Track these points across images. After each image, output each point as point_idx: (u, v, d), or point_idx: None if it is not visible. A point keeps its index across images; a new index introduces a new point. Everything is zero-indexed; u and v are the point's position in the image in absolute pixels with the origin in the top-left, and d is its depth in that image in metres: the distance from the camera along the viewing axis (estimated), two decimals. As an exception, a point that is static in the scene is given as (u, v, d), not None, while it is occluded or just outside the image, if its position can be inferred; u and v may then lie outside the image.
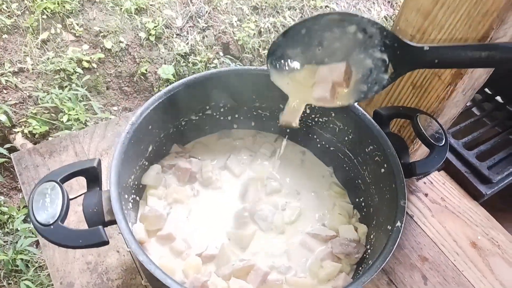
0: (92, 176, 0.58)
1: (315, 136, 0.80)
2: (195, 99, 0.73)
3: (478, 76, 0.67)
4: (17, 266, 1.60)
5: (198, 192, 0.76)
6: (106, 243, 0.52)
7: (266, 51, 2.35)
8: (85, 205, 0.56)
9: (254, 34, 2.35)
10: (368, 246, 0.67)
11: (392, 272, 0.79)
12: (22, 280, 1.57)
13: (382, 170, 0.65)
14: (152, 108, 0.65)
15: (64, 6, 2.09)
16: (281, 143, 0.78)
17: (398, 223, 0.56)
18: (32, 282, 1.57)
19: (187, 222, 0.72)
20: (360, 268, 0.66)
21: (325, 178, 0.81)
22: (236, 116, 0.82)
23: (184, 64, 2.19)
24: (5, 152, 1.77)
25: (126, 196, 0.63)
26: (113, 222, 0.55)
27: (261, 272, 0.63)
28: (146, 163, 0.72)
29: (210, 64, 2.23)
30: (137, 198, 0.71)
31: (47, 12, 2.05)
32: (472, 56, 0.47)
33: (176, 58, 2.19)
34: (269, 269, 0.64)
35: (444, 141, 0.65)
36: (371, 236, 0.68)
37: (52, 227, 0.51)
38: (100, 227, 0.53)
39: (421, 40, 0.66)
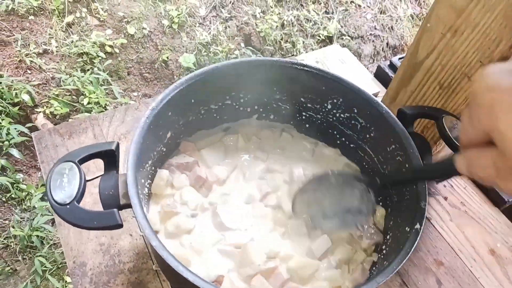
0: (110, 158, 0.58)
1: (335, 132, 0.79)
2: (216, 88, 0.72)
3: (510, 78, 0.64)
4: (32, 242, 1.64)
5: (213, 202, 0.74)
6: (120, 226, 0.52)
7: (288, 44, 2.33)
8: (102, 187, 0.56)
9: (277, 26, 2.33)
10: (384, 247, 0.66)
11: (406, 274, 0.77)
12: (37, 256, 1.61)
13: (403, 170, 0.63)
14: (173, 95, 0.65)
15: (90, -10, 2.11)
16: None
17: (418, 225, 0.54)
18: (46, 259, 1.61)
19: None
20: (374, 268, 0.64)
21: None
22: (256, 107, 0.81)
23: (205, 53, 2.19)
24: (26, 131, 1.80)
25: (143, 180, 0.63)
26: (128, 205, 0.55)
27: (281, 278, 0.62)
28: (164, 149, 0.72)
29: (231, 54, 2.22)
30: (151, 182, 0.71)
31: (74, -5, 2.08)
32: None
33: (198, 47, 2.18)
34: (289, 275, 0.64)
35: (469, 144, 0.63)
36: (388, 237, 0.66)
37: (68, 206, 0.51)
38: (115, 210, 0.53)
39: (452, 39, 0.64)
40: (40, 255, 1.62)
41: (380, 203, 0.72)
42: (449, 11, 0.62)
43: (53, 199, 0.51)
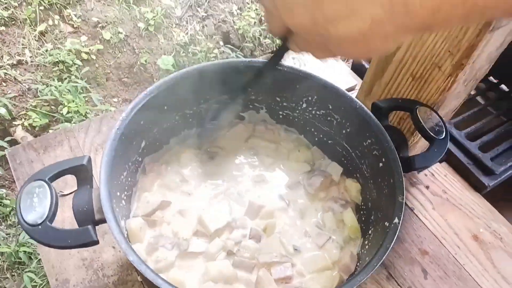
0: (82, 174, 0.57)
1: (312, 129, 0.78)
2: (188, 93, 0.71)
3: (479, 66, 0.65)
4: (20, 258, 1.61)
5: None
6: (95, 242, 0.51)
7: (267, 40, 2.32)
8: (75, 204, 0.55)
9: (255, 22, 2.32)
10: (366, 242, 0.66)
11: (392, 266, 0.78)
12: (25, 272, 1.58)
13: (380, 164, 0.63)
14: (143, 103, 0.64)
15: (61, -3, 2.07)
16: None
17: (396, 220, 0.54)
18: (35, 274, 1.58)
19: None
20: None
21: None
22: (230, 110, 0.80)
23: (184, 54, 2.16)
24: (5, 145, 1.76)
25: (118, 193, 0.62)
26: (103, 220, 0.54)
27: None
28: (140, 159, 0.71)
29: (210, 53, 2.20)
30: (130, 193, 0.69)
31: (44, 3, 2.03)
32: None
33: (176, 49, 2.16)
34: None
35: (444, 134, 0.63)
36: (370, 232, 0.66)
37: (40, 227, 0.50)
38: (90, 226, 0.52)
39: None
40: (29, 271, 1.59)
41: (356, 179, 0.74)
42: None
43: (24, 220, 0.50)
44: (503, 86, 1.13)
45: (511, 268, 0.78)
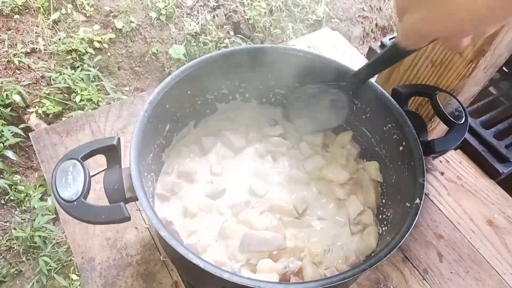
0: (112, 154, 0.59)
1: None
2: (211, 78, 0.73)
3: (500, 53, 0.66)
4: (35, 242, 1.65)
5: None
6: (128, 219, 0.53)
7: (277, 30, 2.32)
8: (106, 182, 0.56)
9: (265, 12, 2.32)
10: (385, 223, 0.67)
11: (408, 249, 0.80)
12: (41, 256, 1.62)
13: (401, 148, 0.65)
14: (169, 87, 0.65)
15: (74, -14, 2.08)
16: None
17: (417, 200, 0.56)
18: (50, 258, 1.62)
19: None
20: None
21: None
22: (252, 95, 0.82)
23: (195, 44, 2.17)
24: (20, 132, 1.79)
25: (146, 173, 0.64)
26: (134, 198, 0.56)
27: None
28: (164, 142, 0.73)
29: (220, 43, 2.21)
30: (154, 175, 0.71)
31: (58, -9, 2.04)
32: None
33: (187, 38, 2.17)
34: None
35: (464, 119, 0.64)
36: (389, 214, 0.68)
37: (75, 203, 0.52)
38: (122, 203, 0.54)
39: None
40: (44, 255, 1.63)
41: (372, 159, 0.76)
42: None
43: (60, 197, 0.52)
44: (517, 76, 1.13)
45: (525, 252, 0.80)
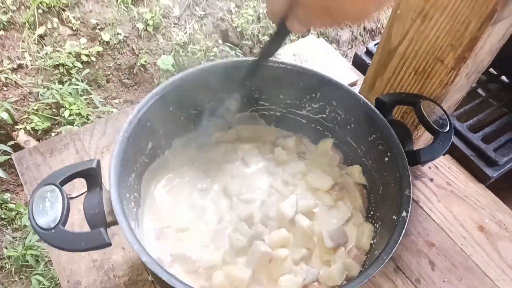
0: (92, 177, 0.57)
1: (318, 127, 0.79)
2: (193, 94, 0.72)
3: (481, 59, 0.65)
4: (27, 261, 1.62)
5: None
6: (108, 244, 0.52)
7: (266, 37, 2.32)
8: (86, 206, 0.55)
9: (253, 20, 2.32)
10: (374, 235, 0.66)
11: (399, 258, 0.79)
12: (33, 274, 1.59)
13: (386, 159, 0.64)
14: (149, 105, 0.64)
15: (59, 0, 2.06)
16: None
17: (404, 213, 0.55)
18: (43, 277, 1.59)
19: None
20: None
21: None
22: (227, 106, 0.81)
23: (183, 53, 2.16)
24: (9, 149, 1.77)
25: (128, 195, 0.63)
26: (115, 222, 0.54)
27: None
28: (147, 160, 0.72)
29: (209, 52, 2.20)
30: (137, 195, 0.70)
31: (43, 6, 2.03)
32: None
33: (175, 48, 2.16)
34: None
35: (448, 127, 0.64)
36: (377, 226, 0.67)
37: (53, 231, 0.50)
38: (102, 229, 0.52)
39: (422, 25, 0.64)
40: (36, 273, 1.60)
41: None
42: (417, -3, 0.62)
43: (37, 225, 0.51)
44: (504, 78, 1.13)
45: (517, 257, 0.79)
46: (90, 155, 0.89)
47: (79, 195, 0.83)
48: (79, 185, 0.84)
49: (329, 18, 0.44)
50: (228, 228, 0.70)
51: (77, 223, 0.79)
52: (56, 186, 0.54)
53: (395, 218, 0.57)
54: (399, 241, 0.53)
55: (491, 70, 1.14)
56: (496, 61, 0.72)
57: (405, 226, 0.54)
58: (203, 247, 0.68)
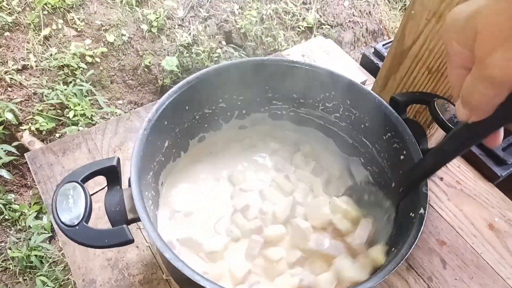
0: (112, 174, 0.58)
1: (331, 126, 0.80)
2: (208, 93, 0.73)
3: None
4: (32, 262, 1.62)
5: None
6: (131, 241, 0.52)
7: (269, 38, 2.33)
8: (107, 204, 0.56)
9: (256, 21, 2.33)
10: (390, 234, 0.67)
11: (411, 257, 0.79)
12: (37, 276, 1.59)
13: (402, 157, 0.64)
14: (167, 104, 0.65)
15: (64, 1, 2.07)
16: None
17: (422, 210, 0.56)
18: (48, 278, 1.59)
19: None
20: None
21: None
22: (250, 108, 0.81)
23: (188, 55, 2.17)
24: (13, 150, 1.77)
25: (146, 192, 0.63)
26: (136, 219, 0.55)
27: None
28: (163, 159, 0.72)
29: (213, 53, 2.21)
30: (154, 193, 0.70)
31: (48, 7, 2.03)
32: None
33: (179, 49, 2.17)
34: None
35: (462, 125, 0.64)
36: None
37: (77, 227, 0.51)
38: (125, 226, 0.53)
39: (437, 24, 0.65)
40: (41, 274, 1.60)
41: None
42: (432, -3, 0.63)
43: (61, 221, 0.51)
44: None
45: (528, 255, 0.80)
46: (102, 154, 0.90)
47: (93, 193, 0.83)
48: (91, 184, 0.84)
49: None
50: (225, 217, 0.73)
51: (92, 221, 0.79)
52: (78, 183, 0.55)
53: (412, 215, 0.57)
54: (418, 237, 0.53)
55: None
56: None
57: (424, 222, 0.55)
58: (208, 233, 0.71)
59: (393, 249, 0.59)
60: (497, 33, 0.31)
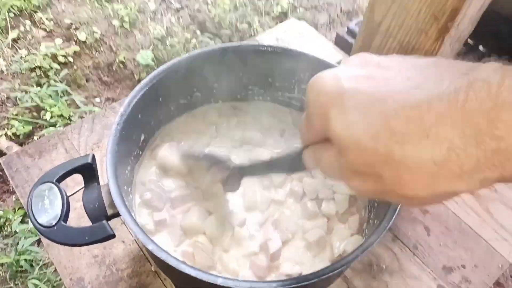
0: (88, 172, 0.57)
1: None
2: (181, 83, 0.72)
3: (463, 28, 0.67)
4: (22, 266, 1.60)
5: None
6: (112, 236, 0.52)
7: (244, 25, 2.31)
8: (86, 201, 0.55)
9: (230, 9, 2.30)
10: (372, 207, 0.68)
11: (396, 228, 0.81)
12: (29, 279, 1.58)
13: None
14: (139, 97, 0.64)
15: (30, 2, 2.01)
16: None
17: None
18: (39, 280, 1.58)
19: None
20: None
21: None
22: (226, 95, 0.81)
23: (162, 47, 2.14)
24: (-9, 157, 1.73)
25: (125, 187, 0.63)
26: (116, 215, 0.54)
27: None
28: (140, 152, 0.71)
29: (188, 44, 2.18)
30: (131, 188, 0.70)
31: (14, 9, 1.98)
32: None
33: (153, 43, 2.14)
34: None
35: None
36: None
37: (55, 228, 0.50)
38: (104, 221, 0.52)
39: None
40: (32, 278, 1.59)
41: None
42: None
43: (38, 223, 0.50)
44: (481, 48, 1.16)
45: (508, 217, 0.82)
46: (80, 153, 0.88)
47: (73, 193, 0.82)
48: (71, 184, 0.83)
49: (374, 184, 0.31)
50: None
51: (74, 221, 0.79)
52: (53, 183, 0.54)
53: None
54: (399, 207, 0.54)
55: (469, 40, 1.16)
56: (473, 32, 0.74)
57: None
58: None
59: (376, 221, 0.60)
60: (353, 164, 0.31)
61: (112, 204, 0.54)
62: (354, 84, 0.31)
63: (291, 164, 0.48)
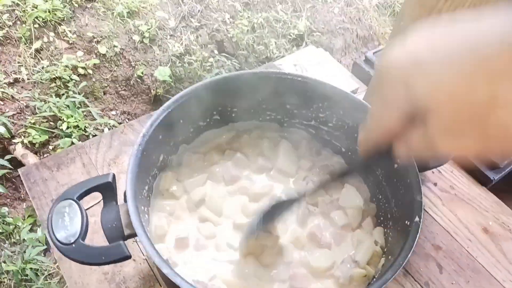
0: (108, 191, 0.58)
1: (325, 136, 0.80)
2: (202, 106, 0.73)
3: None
4: (27, 275, 1.60)
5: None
6: (128, 257, 0.53)
7: (261, 47, 2.34)
8: (104, 221, 0.56)
9: (248, 30, 2.34)
10: (385, 242, 0.67)
11: (407, 263, 0.80)
12: (33, 288, 1.58)
13: (395, 165, 0.65)
14: (161, 118, 0.65)
15: (55, 14, 2.07)
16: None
17: (417, 218, 0.56)
18: (44, 291, 1.58)
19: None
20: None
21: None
22: (243, 119, 0.82)
23: (180, 64, 2.18)
24: (6, 163, 1.76)
25: (143, 207, 0.64)
26: (133, 235, 0.55)
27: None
28: (158, 172, 0.72)
29: (205, 62, 2.22)
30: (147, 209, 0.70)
31: (39, 21, 2.03)
32: None
33: (171, 59, 2.17)
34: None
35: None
36: (387, 231, 0.68)
37: (74, 245, 0.51)
38: (121, 242, 0.53)
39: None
40: (36, 287, 1.59)
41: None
42: (420, 9, 0.64)
43: (57, 240, 0.51)
44: None
45: (522, 258, 0.81)
46: (97, 168, 0.90)
47: (88, 208, 0.83)
48: (87, 199, 0.84)
49: (478, 141, 0.30)
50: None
51: (88, 236, 0.79)
52: (74, 200, 0.55)
53: (408, 223, 0.58)
54: (414, 245, 0.54)
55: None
56: None
57: (419, 230, 0.55)
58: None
59: (389, 257, 0.60)
60: (450, 122, 0.30)
61: (130, 225, 0.54)
62: (424, 45, 0.31)
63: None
